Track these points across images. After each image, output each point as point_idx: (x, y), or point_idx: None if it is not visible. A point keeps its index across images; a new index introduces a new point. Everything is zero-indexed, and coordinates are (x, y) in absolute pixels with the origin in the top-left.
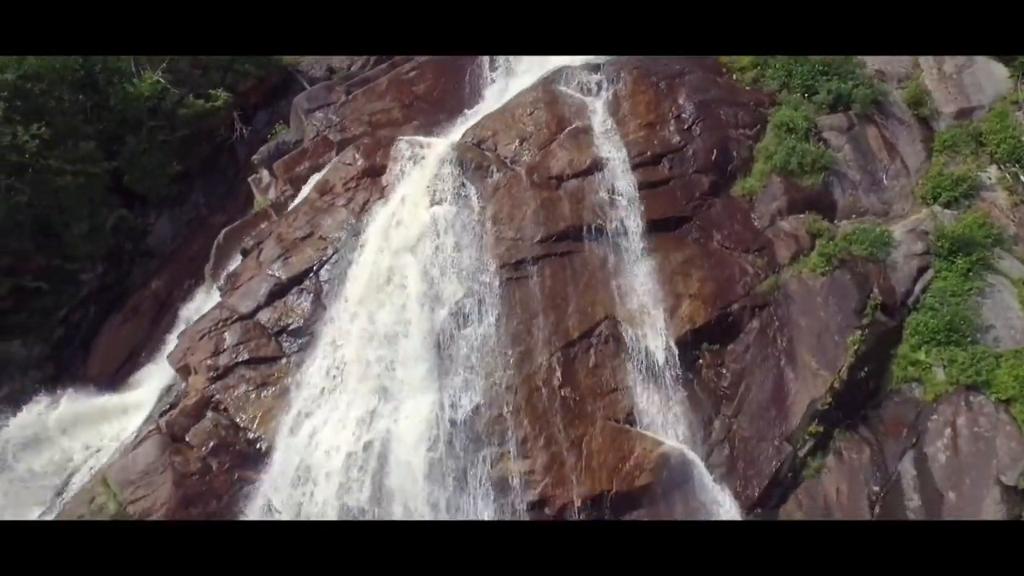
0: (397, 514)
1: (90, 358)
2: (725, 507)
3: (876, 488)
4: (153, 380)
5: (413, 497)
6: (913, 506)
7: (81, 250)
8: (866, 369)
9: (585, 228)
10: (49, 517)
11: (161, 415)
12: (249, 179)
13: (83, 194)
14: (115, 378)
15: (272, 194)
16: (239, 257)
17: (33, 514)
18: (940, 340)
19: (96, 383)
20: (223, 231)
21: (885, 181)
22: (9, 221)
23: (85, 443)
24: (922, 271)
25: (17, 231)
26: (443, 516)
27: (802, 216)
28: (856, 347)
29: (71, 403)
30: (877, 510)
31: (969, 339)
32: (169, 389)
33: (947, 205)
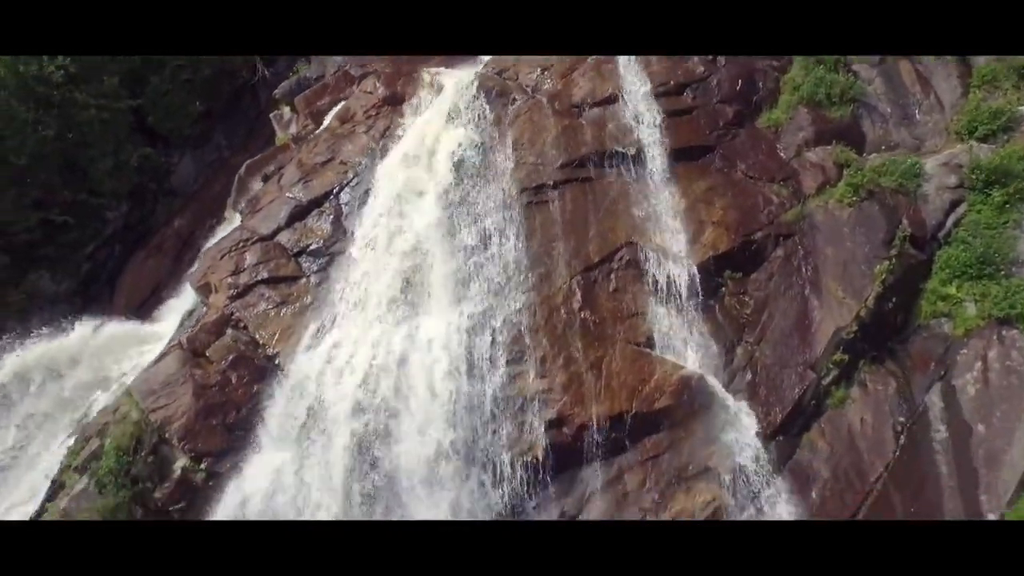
0: (413, 430)
1: (115, 294)
2: (746, 433)
3: (902, 419)
4: (175, 314)
5: (430, 417)
6: (940, 438)
7: (106, 186)
8: (894, 300)
9: (607, 154)
10: (75, 438)
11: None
12: (271, 115)
13: (107, 130)
14: (139, 312)
15: (293, 129)
16: (260, 185)
17: (61, 435)
18: (972, 274)
19: (121, 317)
20: (245, 164)
21: (918, 116)
22: (36, 154)
23: (109, 369)
24: (955, 205)
25: (44, 164)
26: (461, 434)
27: (829, 147)
28: (884, 276)
29: (98, 330)
30: (902, 441)
31: (1003, 272)
32: (191, 314)
33: (984, 139)
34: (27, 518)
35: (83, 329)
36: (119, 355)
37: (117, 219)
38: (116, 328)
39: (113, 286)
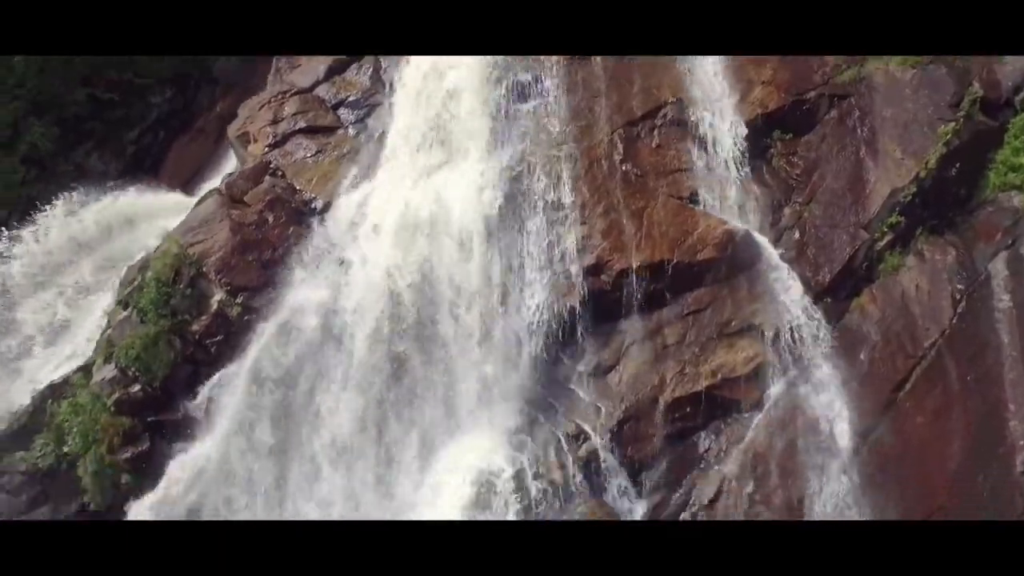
0: (448, 269)
1: (159, 175)
2: (793, 293)
3: (961, 287)
4: None
5: (466, 255)
6: (1003, 307)
7: (150, 68)
8: (958, 167)
9: None
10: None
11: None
12: None
13: None
14: (183, 192)
15: None
16: None
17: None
18: None
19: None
20: None
21: None
22: None
23: (159, 231)
24: None
25: None
26: (496, 282)
27: None
28: (948, 138)
29: (149, 196)
30: (961, 308)
31: None
32: (230, 175)
33: None
34: (79, 362)
35: (135, 194)
36: (168, 220)
37: (161, 104)
38: (165, 198)
39: (158, 171)
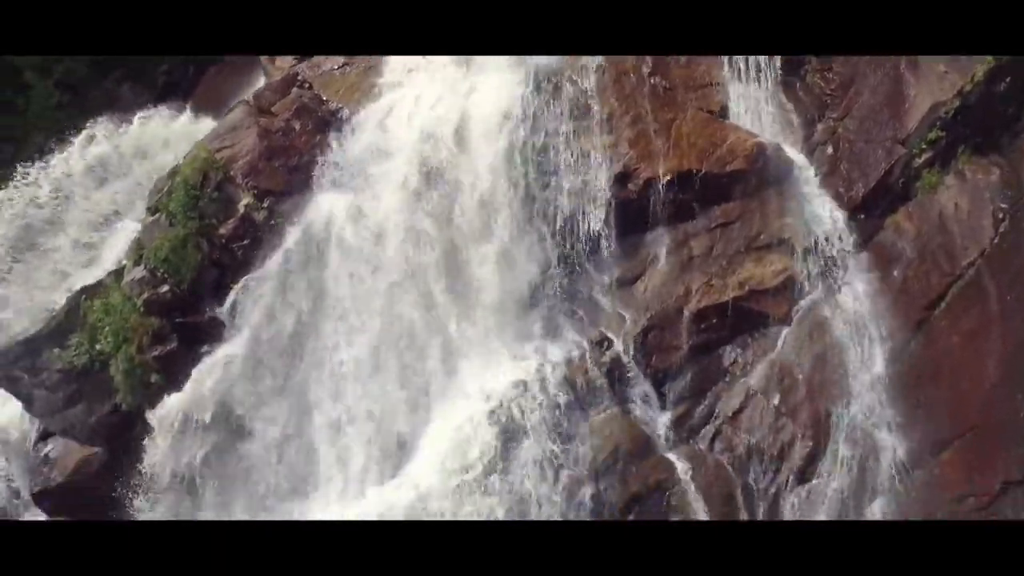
0: (471, 174)
1: (189, 106)
2: (825, 208)
3: (1004, 206)
4: None
5: (489, 162)
6: None
7: None
8: (1007, 83)
9: None
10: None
11: None
12: None
13: None
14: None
15: None
16: None
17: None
18: None
19: None
20: None
21: None
22: None
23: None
24: None
25: None
26: (520, 191)
27: None
28: None
29: (181, 121)
30: (1003, 228)
31: None
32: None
33: None
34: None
35: (168, 117)
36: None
37: None
38: (198, 124)
39: (187, 102)
